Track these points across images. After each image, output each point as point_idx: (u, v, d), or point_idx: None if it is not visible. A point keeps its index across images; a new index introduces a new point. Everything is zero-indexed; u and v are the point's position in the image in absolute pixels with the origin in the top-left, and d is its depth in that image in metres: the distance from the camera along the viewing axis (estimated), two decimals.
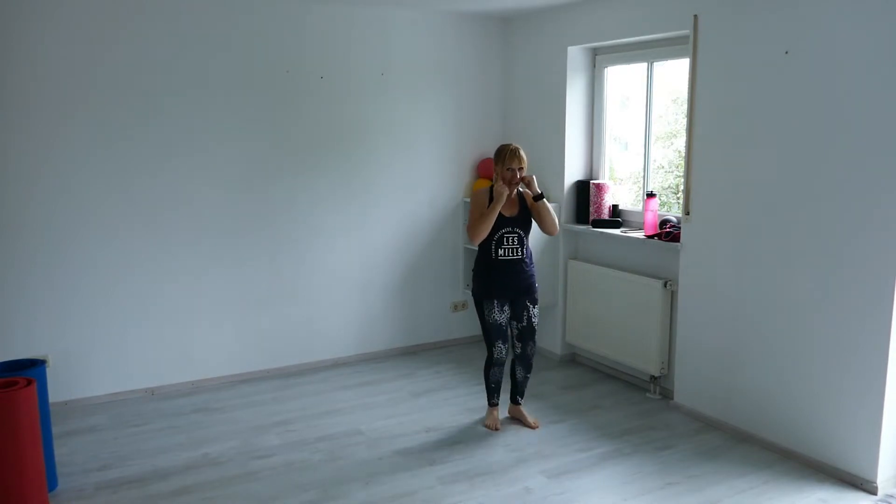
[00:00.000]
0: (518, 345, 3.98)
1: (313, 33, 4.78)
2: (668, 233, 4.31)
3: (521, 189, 3.87)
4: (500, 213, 3.78)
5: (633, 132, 5.01)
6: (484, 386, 4.12)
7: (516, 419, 4.10)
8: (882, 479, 3.31)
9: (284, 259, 4.88)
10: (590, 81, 5.00)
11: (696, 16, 3.94)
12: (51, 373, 4.07)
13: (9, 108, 4.02)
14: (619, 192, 5.09)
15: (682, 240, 4.16)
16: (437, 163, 5.34)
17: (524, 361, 4.00)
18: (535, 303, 3.94)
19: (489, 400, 4.07)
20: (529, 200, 3.85)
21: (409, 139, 5.21)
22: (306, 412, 4.26)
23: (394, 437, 3.92)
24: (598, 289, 4.78)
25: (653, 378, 4.49)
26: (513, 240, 3.83)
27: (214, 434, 3.97)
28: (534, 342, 3.98)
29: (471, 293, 4.05)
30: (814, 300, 3.48)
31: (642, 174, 4.70)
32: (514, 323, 3.95)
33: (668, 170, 4.89)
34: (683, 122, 4.23)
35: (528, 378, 4.07)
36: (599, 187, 4.84)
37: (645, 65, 4.61)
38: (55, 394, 4.16)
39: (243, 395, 4.55)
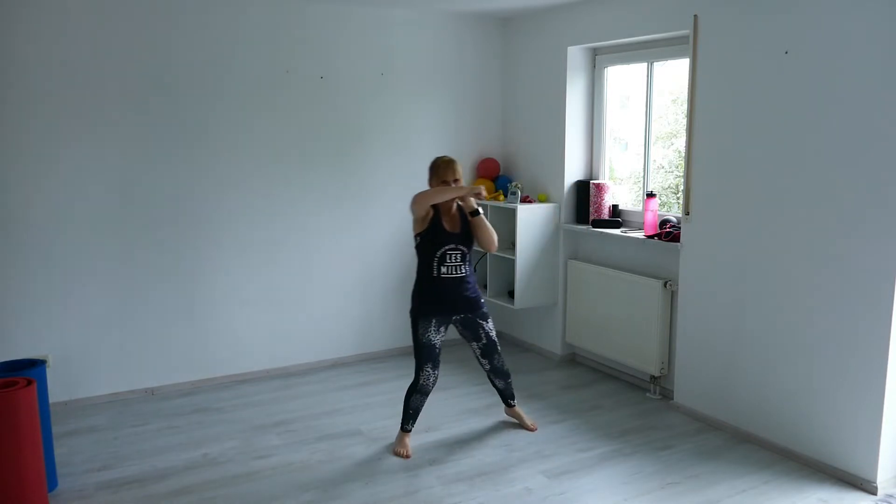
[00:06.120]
0: (485, 361, 3.85)
1: (313, 33, 4.78)
2: (668, 233, 4.31)
3: (460, 203, 3.71)
4: (442, 228, 3.63)
5: (633, 132, 5.01)
6: (402, 408, 3.79)
7: (514, 420, 4.06)
8: (882, 479, 3.32)
9: (284, 259, 4.88)
10: (590, 81, 5.00)
11: (696, 16, 3.94)
12: (51, 373, 4.08)
13: (10, 108, 4.02)
14: (619, 192, 5.09)
15: (682, 240, 4.16)
16: None
17: (499, 373, 3.89)
18: (486, 318, 3.78)
19: (403, 425, 3.77)
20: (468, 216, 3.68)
21: (408, 139, 5.21)
22: (306, 412, 4.26)
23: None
24: (598, 289, 4.78)
25: (653, 378, 4.49)
26: (456, 257, 3.66)
27: (214, 434, 3.97)
28: (499, 354, 3.85)
29: (409, 312, 3.78)
30: (814, 300, 3.48)
31: (642, 174, 4.70)
32: (475, 344, 3.82)
33: (668, 170, 4.90)
34: (683, 122, 4.23)
35: (510, 383, 3.96)
36: (599, 187, 4.84)
37: (645, 65, 4.61)
38: (55, 394, 4.17)
39: (243, 395, 4.56)
